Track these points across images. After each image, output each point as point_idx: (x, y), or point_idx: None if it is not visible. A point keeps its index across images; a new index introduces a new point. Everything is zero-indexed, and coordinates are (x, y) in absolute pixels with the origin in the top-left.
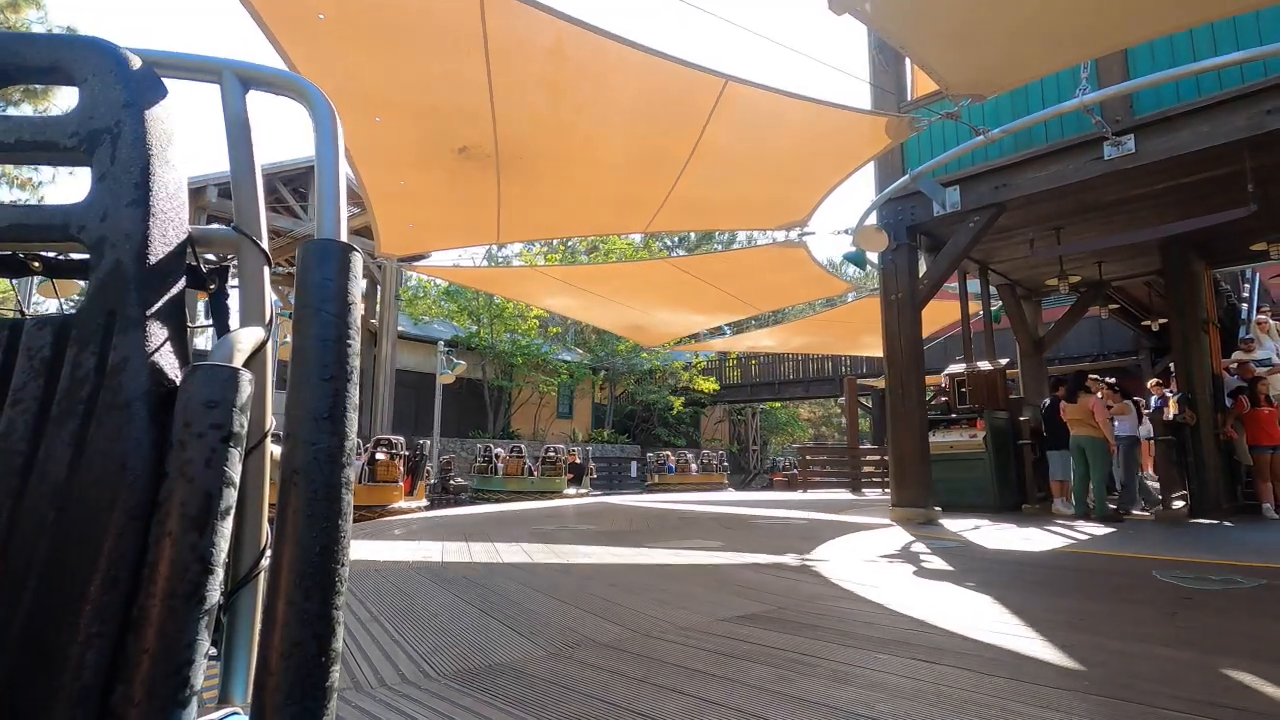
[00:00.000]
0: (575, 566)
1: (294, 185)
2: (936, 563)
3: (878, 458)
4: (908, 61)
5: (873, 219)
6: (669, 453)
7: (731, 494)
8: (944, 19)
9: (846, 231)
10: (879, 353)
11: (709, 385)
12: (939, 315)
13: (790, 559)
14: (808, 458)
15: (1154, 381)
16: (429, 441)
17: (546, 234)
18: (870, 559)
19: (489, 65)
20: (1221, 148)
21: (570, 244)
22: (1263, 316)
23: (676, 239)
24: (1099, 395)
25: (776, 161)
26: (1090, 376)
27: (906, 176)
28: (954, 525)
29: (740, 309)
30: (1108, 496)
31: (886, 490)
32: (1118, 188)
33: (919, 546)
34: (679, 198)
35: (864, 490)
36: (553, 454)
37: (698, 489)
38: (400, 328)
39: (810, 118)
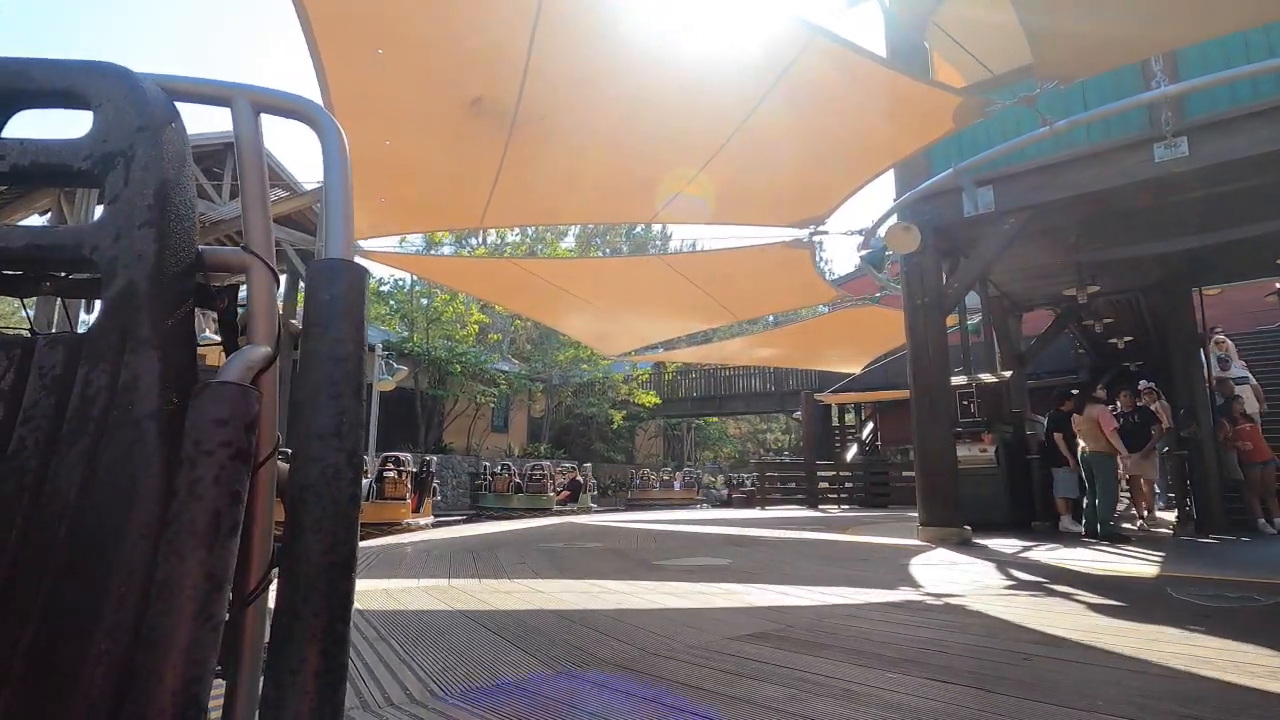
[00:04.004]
0: (585, 586)
1: (205, 165)
2: (1089, 596)
3: (832, 473)
4: (929, 59)
5: (893, 218)
6: (649, 470)
7: (707, 511)
8: None
9: (859, 232)
10: (840, 368)
11: (650, 399)
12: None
13: (911, 594)
14: (768, 474)
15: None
16: (434, 458)
17: (537, 220)
18: (995, 590)
19: None
20: (1277, 154)
21: (508, 244)
22: (1221, 335)
23: (609, 249)
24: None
25: (822, 146)
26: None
27: (950, 171)
28: (997, 545)
29: (719, 315)
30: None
31: (844, 506)
32: (1151, 194)
33: (1020, 573)
34: (699, 184)
35: (821, 506)
36: (539, 472)
37: (675, 505)
38: None
39: (868, 97)
